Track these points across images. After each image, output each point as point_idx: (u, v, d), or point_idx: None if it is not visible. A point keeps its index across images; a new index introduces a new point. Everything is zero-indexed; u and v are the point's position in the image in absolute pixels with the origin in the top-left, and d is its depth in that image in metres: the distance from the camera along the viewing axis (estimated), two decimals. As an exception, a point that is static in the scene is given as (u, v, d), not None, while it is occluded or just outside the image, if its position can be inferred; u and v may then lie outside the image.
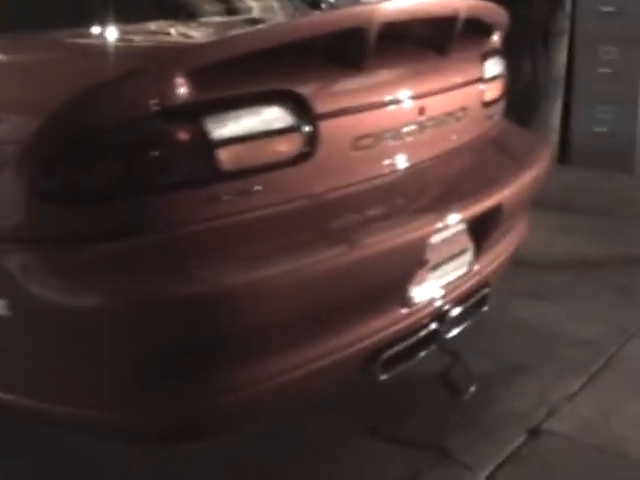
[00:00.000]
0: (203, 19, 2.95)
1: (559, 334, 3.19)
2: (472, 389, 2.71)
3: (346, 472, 2.44)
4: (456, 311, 2.48)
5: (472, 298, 2.57)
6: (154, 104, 1.82)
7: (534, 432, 2.58)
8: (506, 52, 5.12)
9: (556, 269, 3.86)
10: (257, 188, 1.96)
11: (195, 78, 1.86)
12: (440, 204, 2.33)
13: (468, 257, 2.49)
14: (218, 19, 3.02)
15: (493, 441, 2.53)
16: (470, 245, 2.48)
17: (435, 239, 2.26)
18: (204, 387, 1.89)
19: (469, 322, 2.58)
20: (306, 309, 1.95)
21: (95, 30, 2.38)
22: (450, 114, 2.48)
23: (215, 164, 1.89)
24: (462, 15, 2.41)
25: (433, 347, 2.43)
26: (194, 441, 2.12)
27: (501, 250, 2.72)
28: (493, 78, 2.76)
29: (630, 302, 3.49)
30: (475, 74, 2.64)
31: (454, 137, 2.55)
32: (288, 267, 1.91)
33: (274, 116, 1.98)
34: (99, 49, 2.24)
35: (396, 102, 2.29)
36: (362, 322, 2.14)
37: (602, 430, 2.59)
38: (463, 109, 2.55)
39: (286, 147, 2.01)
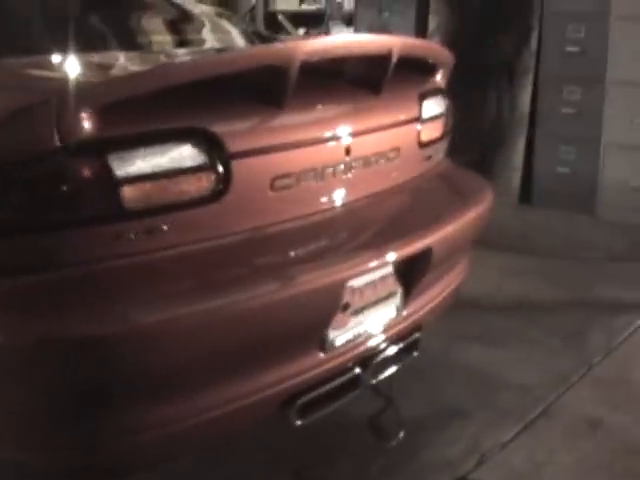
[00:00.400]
0: (146, 51, 2.91)
1: (499, 379, 3.12)
2: (401, 434, 2.65)
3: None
4: (382, 356, 2.42)
5: (401, 342, 2.51)
6: (57, 139, 1.77)
7: (461, 483, 2.51)
8: (471, 89, 5.17)
9: (504, 312, 3.79)
10: (165, 227, 1.91)
11: (101, 114, 1.80)
12: (362, 247, 2.28)
13: (396, 301, 2.43)
14: (162, 51, 2.98)
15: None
16: (398, 289, 2.42)
17: (357, 282, 2.21)
18: (111, 426, 1.85)
19: (398, 367, 2.52)
20: (216, 350, 1.90)
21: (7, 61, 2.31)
22: (380, 154, 2.42)
23: (120, 202, 1.84)
24: (396, 54, 2.36)
25: (356, 393, 2.36)
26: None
27: (435, 294, 2.66)
28: (432, 118, 2.71)
29: (576, 349, 3.42)
30: (411, 114, 2.59)
31: (385, 178, 2.49)
32: (198, 307, 1.86)
33: (183, 154, 1.92)
34: (6, 79, 2.17)
35: (318, 142, 2.23)
36: (277, 365, 2.09)
37: (531, 482, 2.52)
38: (396, 149, 2.49)
39: (196, 186, 1.95)
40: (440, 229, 2.46)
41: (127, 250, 1.86)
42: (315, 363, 2.19)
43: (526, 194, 5.50)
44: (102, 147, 1.81)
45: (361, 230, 2.35)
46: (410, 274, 2.43)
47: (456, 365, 3.24)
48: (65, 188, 1.79)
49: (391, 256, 2.28)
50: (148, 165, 1.87)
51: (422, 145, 2.66)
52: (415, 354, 2.60)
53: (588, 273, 4.33)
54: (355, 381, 2.34)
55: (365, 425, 2.65)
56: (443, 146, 2.88)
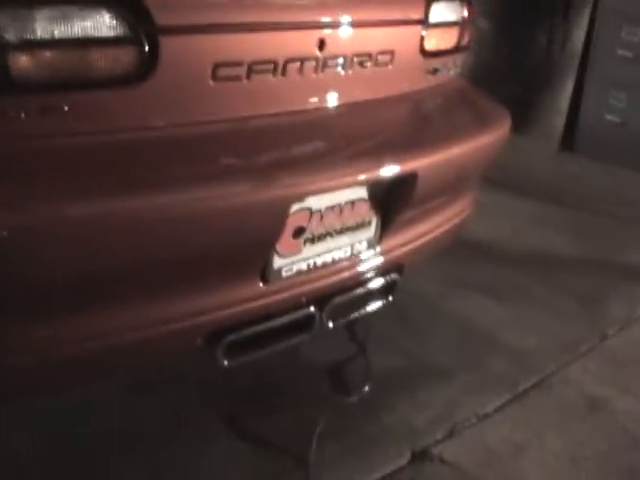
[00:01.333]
0: None
1: (495, 339, 2.72)
2: (365, 389, 2.28)
3: (183, 466, 2.02)
4: (346, 296, 2.04)
5: (373, 283, 2.12)
6: None
7: (420, 455, 2.12)
8: (520, 19, 4.67)
9: (515, 263, 3.35)
10: (67, 108, 1.52)
11: None
12: (324, 159, 1.87)
13: (369, 233, 2.04)
14: None
15: (367, 458, 2.08)
16: (372, 218, 2.02)
17: (315, 203, 1.83)
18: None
19: (366, 311, 2.14)
20: (123, 260, 1.54)
21: None
22: (366, 56, 1.99)
23: (8, 71, 1.45)
24: None
25: (307, 336, 1.99)
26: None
27: (422, 231, 2.25)
28: (442, 24, 2.26)
29: (590, 315, 2.99)
30: (411, 14, 2.14)
31: (372, 86, 2.05)
32: (98, 205, 1.48)
33: (96, 22, 1.52)
34: None
35: (280, 27, 1.80)
36: (204, 290, 1.73)
37: (504, 466, 2.12)
38: (388, 53, 2.06)
39: (109, 63, 1.54)
40: (430, 152, 2.05)
41: (13, 131, 1.48)
42: (253, 294, 1.83)
43: (569, 140, 5.01)
44: None
45: (328, 141, 1.94)
46: (389, 203, 2.03)
47: (449, 317, 2.84)
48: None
49: (359, 176, 1.88)
50: (47, 30, 1.47)
51: (426, 54, 2.22)
52: (389, 299, 2.21)
53: (620, 233, 3.86)
54: (308, 322, 1.97)
55: (325, 374, 2.28)
56: (457, 61, 2.44)
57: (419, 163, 1.99)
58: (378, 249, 2.09)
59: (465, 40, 2.42)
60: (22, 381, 1.63)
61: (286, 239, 1.82)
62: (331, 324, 2.03)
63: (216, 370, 1.83)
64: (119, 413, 2.16)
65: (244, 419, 2.17)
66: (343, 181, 1.85)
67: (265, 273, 1.81)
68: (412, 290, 2.83)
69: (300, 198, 1.77)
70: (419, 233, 2.24)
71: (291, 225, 1.82)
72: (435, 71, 2.31)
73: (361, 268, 2.07)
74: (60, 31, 1.49)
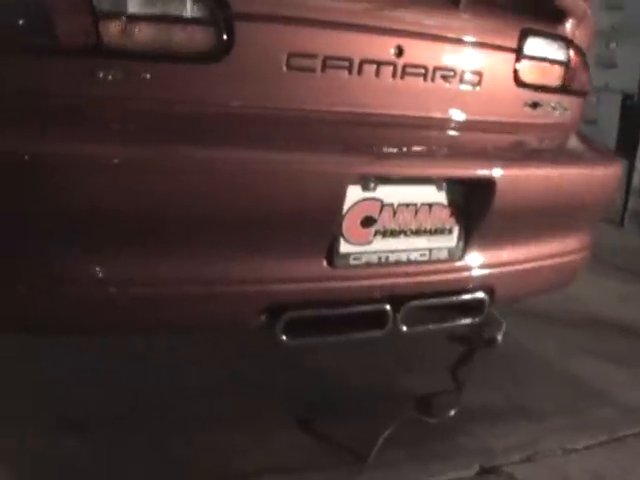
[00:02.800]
0: None
1: (603, 393, 2.62)
2: (448, 414, 2.26)
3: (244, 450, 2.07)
4: (424, 302, 2.07)
5: (454, 296, 2.13)
6: None
7: (489, 470, 2.07)
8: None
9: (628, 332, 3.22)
10: (148, 76, 1.72)
11: None
12: (386, 149, 1.95)
13: (450, 241, 2.08)
14: None
15: (428, 464, 2.05)
16: (454, 227, 2.07)
17: (387, 196, 1.91)
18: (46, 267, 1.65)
19: (445, 327, 2.15)
20: (185, 206, 1.67)
21: None
22: (450, 71, 2.08)
23: (100, 37, 1.68)
24: None
25: (378, 333, 2.01)
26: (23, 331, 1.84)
27: (518, 257, 2.23)
28: (540, 59, 2.32)
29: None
30: (503, 41, 2.21)
31: (458, 102, 2.13)
32: (166, 149, 1.66)
33: (177, 3, 1.73)
34: None
35: (356, 28, 1.93)
36: (266, 259, 1.80)
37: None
38: (476, 74, 2.14)
39: (188, 39, 1.74)
40: (510, 164, 2.09)
41: (102, 89, 1.69)
42: (318, 274, 1.89)
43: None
44: None
45: (396, 138, 2.01)
46: (469, 212, 2.07)
47: (559, 373, 2.77)
48: (44, 14, 1.67)
49: (437, 170, 1.95)
50: (136, 6, 1.70)
51: (522, 85, 2.27)
52: (476, 320, 2.20)
53: None
54: (380, 319, 2.00)
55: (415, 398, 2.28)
56: (564, 102, 2.45)
57: (497, 172, 2.03)
58: (462, 262, 2.10)
59: (575, 83, 2.45)
60: (76, 314, 1.73)
61: (354, 225, 1.90)
62: (405, 328, 2.04)
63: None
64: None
65: (318, 425, 2.20)
66: (402, 170, 1.92)
67: (331, 255, 1.88)
68: (526, 347, 2.80)
69: (359, 178, 1.85)
70: (513, 258, 2.22)
71: (359, 212, 1.89)
72: (534, 105, 2.35)
73: (441, 277, 2.09)
74: (147, 8, 1.71)
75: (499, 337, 2.54)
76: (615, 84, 5.34)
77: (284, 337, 1.87)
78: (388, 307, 1.99)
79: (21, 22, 1.67)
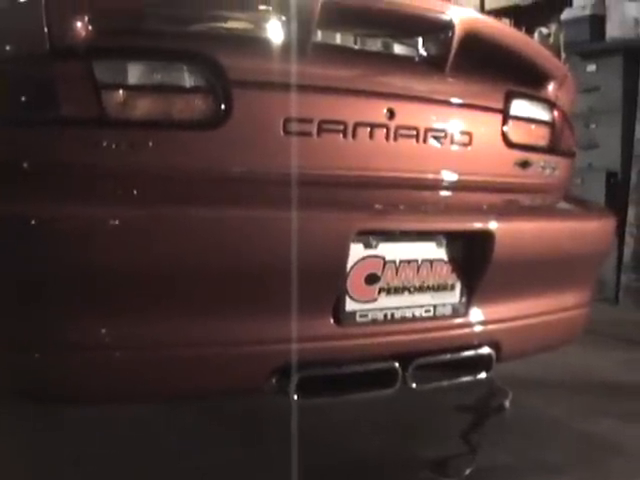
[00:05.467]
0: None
1: (621, 447, 2.57)
2: (464, 473, 2.24)
3: None
4: (430, 359, 2.08)
5: (460, 352, 2.14)
6: (46, 39, 1.74)
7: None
8: None
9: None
10: (150, 144, 1.77)
11: (94, 19, 1.76)
12: (385, 205, 2.00)
13: (452, 298, 2.10)
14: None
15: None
16: (456, 283, 2.10)
17: (389, 253, 1.96)
18: (51, 333, 1.68)
19: (454, 383, 2.15)
20: (189, 265, 1.71)
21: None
22: (441, 132, 2.14)
23: (103, 108, 1.74)
24: (460, 29, 2.14)
25: (389, 391, 2.02)
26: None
27: (522, 311, 2.25)
28: (526, 119, 2.40)
29: None
30: (489, 102, 2.29)
31: (450, 162, 2.19)
32: (171, 211, 1.72)
33: (178, 74, 1.81)
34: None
35: (349, 92, 2.00)
36: (274, 318, 1.82)
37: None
38: (466, 134, 2.20)
39: (186, 108, 1.82)
40: (508, 217, 2.14)
41: (105, 157, 1.74)
42: (325, 333, 1.91)
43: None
44: (88, 53, 1.75)
45: (394, 196, 2.05)
46: (470, 267, 2.10)
47: (575, 431, 2.73)
48: (47, 87, 1.74)
49: (428, 224, 2.00)
50: (137, 78, 1.78)
51: (510, 145, 2.33)
52: (482, 376, 2.20)
53: None
54: (390, 377, 2.00)
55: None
56: (552, 162, 2.50)
57: (492, 224, 2.08)
58: (466, 317, 2.13)
59: (561, 143, 2.52)
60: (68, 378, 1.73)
61: (358, 283, 1.93)
62: (414, 385, 2.04)
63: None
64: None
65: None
66: (401, 225, 1.98)
67: (337, 313, 1.90)
68: (536, 411, 2.79)
69: (361, 235, 1.89)
70: (517, 313, 2.24)
71: (362, 269, 1.93)
72: (524, 165, 2.41)
73: (447, 333, 2.11)
74: (147, 78, 1.78)
75: (507, 404, 2.56)
76: (598, 163, 5.45)
77: (295, 397, 1.87)
78: (397, 365, 1.99)
79: (25, 94, 1.73)
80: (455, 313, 2.10)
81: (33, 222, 1.62)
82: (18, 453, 2.26)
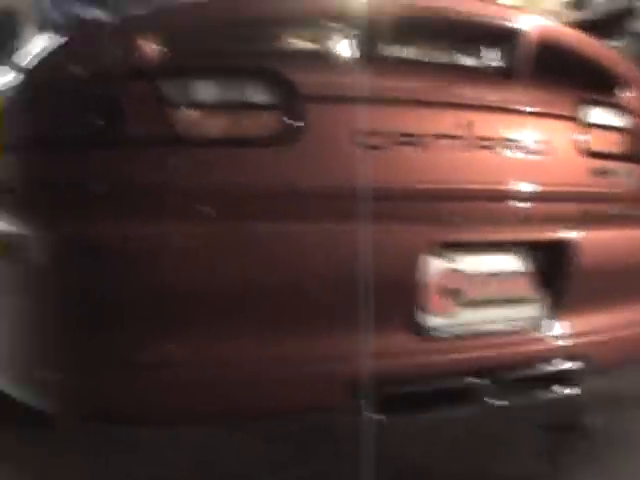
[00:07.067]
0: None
1: None
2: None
3: None
4: (514, 374, 2.02)
5: (546, 367, 2.07)
6: (118, 59, 1.76)
7: None
8: None
9: None
10: (221, 162, 1.76)
11: (165, 40, 1.77)
12: (459, 217, 1.94)
13: (536, 311, 2.05)
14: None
15: None
16: (539, 296, 2.05)
17: (467, 266, 1.93)
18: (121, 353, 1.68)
19: (540, 398, 2.08)
20: (268, 285, 1.70)
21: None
22: (519, 142, 2.07)
23: (173, 126, 1.74)
24: (535, 37, 2.10)
25: (472, 409, 1.97)
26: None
27: (613, 324, 2.19)
28: (602, 127, 2.33)
29: None
30: (563, 111, 2.22)
31: (527, 174, 2.09)
32: (245, 228, 1.71)
33: (247, 91, 1.80)
34: None
35: (425, 104, 1.97)
36: (351, 335, 1.78)
37: None
38: (542, 144, 2.15)
39: (258, 125, 1.79)
40: (591, 225, 2.08)
41: (177, 176, 1.73)
42: (405, 349, 1.87)
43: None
44: (159, 73, 1.75)
45: (472, 212, 1.98)
46: (553, 279, 2.04)
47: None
48: (119, 108, 1.74)
49: (507, 235, 1.96)
50: (207, 95, 1.77)
51: (587, 154, 2.25)
52: (571, 390, 2.12)
53: None
54: (472, 393, 1.95)
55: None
56: (632, 171, 2.44)
57: (572, 234, 2.02)
58: (549, 330, 2.07)
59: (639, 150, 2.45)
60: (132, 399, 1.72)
61: (437, 298, 1.89)
62: (497, 402, 1.98)
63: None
64: None
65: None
66: (478, 236, 1.94)
67: (417, 328, 1.87)
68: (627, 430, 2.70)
69: (438, 248, 1.86)
70: (605, 323, 2.18)
71: (440, 284, 1.90)
72: (602, 173, 2.34)
73: (530, 347, 2.05)
74: (217, 95, 1.77)
75: (597, 422, 2.47)
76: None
77: (380, 415, 1.83)
78: (479, 380, 1.94)
79: (97, 115, 1.73)
80: (537, 326, 2.05)
81: (106, 243, 1.63)
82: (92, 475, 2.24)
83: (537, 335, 2.06)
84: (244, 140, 1.78)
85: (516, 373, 2.02)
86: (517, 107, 2.13)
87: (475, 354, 1.95)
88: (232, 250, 1.69)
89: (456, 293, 1.92)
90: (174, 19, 1.84)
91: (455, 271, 1.91)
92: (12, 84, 1.96)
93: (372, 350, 1.80)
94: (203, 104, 1.77)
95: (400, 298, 1.83)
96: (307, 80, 1.82)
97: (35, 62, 1.89)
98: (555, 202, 2.17)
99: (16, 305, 1.78)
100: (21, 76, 1.93)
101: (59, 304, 1.69)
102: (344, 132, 1.84)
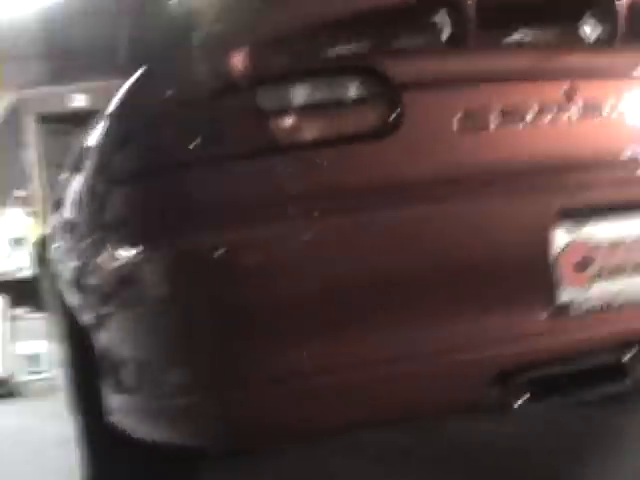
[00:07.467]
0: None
1: None
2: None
3: None
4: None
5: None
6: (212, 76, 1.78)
7: None
8: None
9: None
10: (325, 164, 1.74)
11: (255, 49, 1.77)
12: (596, 186, 1.85)
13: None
14: None
15: None
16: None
17: (598, 235, 1.82)
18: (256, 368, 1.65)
19: None
20: (382, 280, 1.66)
21: None
22: (628, 106, 1.96)
23: (274, 136, 1.73)
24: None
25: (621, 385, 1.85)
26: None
27: None
28: None
29: None
30: None
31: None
32: (360, 220, 1.68)
33: (340, 88, 1.77)
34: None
35: (525, 77, 1.89)
36: (485, 319, 1.71)
37: None
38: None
39: (357, 121, 1.76)
40: None
41: (284, 183, 1.72)
42: (541, 328, 1.77)
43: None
44: (253, 82, 1.75)
45: (590, 178, 1.87)
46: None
47: None
48: (219, 125, 1.75)
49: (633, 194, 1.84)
50: (299, 99, 1.75)
51: None
52: None
53: None
54: (621, 369, 1.84)
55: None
56: None
57: None
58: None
59: None
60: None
61: (568, 271, 1.79)
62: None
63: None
64: None
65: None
66: (604, 198, 1.84)
67: (551, 306, 1.77)
68: None
69: (563, 217, 1.77)
70: None
71: (570, 256, 1.80)
72: None
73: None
74: (311, 96, 1.75)
75: None
76: None
77: (520, 402, 1.74)
78: (627, 356, 1.83)
79: (196, 133, 1.74)
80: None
81: (224, 252, 1.61)
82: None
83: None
84: (344, 137, 1.75)
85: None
86: (620, 71, 2.02)
87: (617, 327, 1.84)
88: (355, 245, 1.65)
89: (588, 264, 1.81)
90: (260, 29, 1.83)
91: (583, 240, 1.81)
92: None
93: (510, 334, 1.73)
94: (299, 108, 1.74)
95: (535, 275, 1.75)
96: (400, 68, 1.78)
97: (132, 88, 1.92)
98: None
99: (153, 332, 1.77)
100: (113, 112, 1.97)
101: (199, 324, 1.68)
102: (444, 116, 1.79)
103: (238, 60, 1.76)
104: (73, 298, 2.35)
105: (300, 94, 1.74)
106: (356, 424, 1.77)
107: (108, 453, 2.34)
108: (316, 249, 1.64)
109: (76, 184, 2.39)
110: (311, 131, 1.75)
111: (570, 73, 1.93)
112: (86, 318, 2.18)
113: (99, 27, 4.96)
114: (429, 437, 2.66)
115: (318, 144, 1.73)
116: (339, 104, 1.76)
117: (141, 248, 1.78)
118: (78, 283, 2.26)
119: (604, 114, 1.93)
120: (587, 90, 1.92)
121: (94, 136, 2.25)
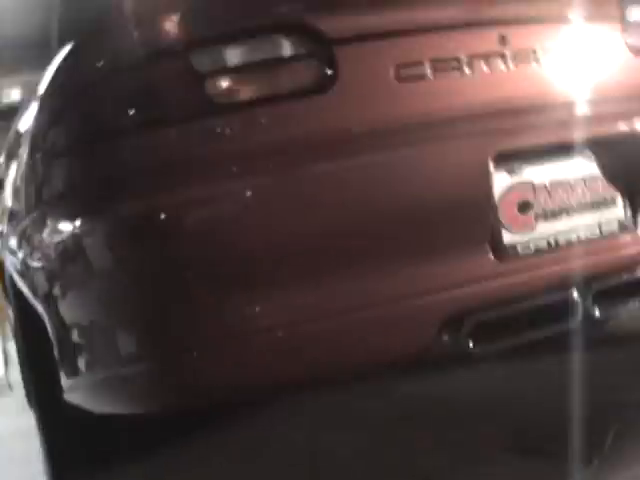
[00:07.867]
0: None
1: None
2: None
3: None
4: (607, 282, 1.92)
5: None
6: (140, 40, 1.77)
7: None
8: None
9: None
10: (262, 121, 1.73)
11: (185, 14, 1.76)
12: (518, 121, 1.87)
13: (617, 213, 1.96)
14: None
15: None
16: (616, 197, 1.96)
17: (536, 176, 1.85)
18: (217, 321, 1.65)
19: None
20: (333, 222, 1.67)
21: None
22: (565, 49, 1.99)
23: (209, 97, 1.72)
24: None
25: (570, 322, 1.87)
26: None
27: None
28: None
29: None
30: (606, 12, 2.13)
31: (579, 80, 2.00)
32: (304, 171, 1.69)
33: (271, 47, 1.76)
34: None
35: (456, 25, 1.89)
36: (433, 263, 1.73)
37: None
38: (589, 48, 2.05)
39: (291, 78, 1.76)
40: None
41: (221, 143, 1.71)
42: (489, 271, 1.79)
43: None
44: (185, 46, 1.74)
45: (526, 121, 1.89)
46: (626, 174, 1.95)
47: None
48: (155, 90, 1.74)
49: (568, 134, 1.87)
50: (234, 59, 1.75)
51: (636, 52, 2.16)
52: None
53: None
54: (570, 307, 1.86)
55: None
56: None
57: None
58: (636, 232, 1.97)
59: None
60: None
61: (511, 213, 1.82)
62: (598, 312, 1.88)
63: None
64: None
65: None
66: (539, 139, 1.85)
67: (497, 248, 1.79)
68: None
69: (501, 160, 1.79)
70: None
71: (512, 198, 1.82)
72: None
73: (621, 252, 1.96)
74: (245, 56, 1.75)
75: None
76: None
77: (472, 346, 1.76)
78: (575, 293, 1.85)
79: (132, 99, 1.73)
80: (624, 228, 1.95)
81: (166, 216, 1.61)
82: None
83: (624, 239, 1.96)
84: (280, 95, 1.74)
85: (612, 280, 1.92)
86: (555, 15, 2.04)
87: (561, 266, 1.87)
88: (297, 199, 1.66)
89: (529, 206, 1.84)
90: None
91: (523, 183, 1.83)
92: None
93: (455, 279, 1.74)
94: (234, 69, 1.74)
95: (473, 219, 1.76)
96: (332, 23, 1.78)
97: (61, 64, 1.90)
98: (612, 103, 2.08)
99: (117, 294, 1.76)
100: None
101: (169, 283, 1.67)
102: (380, 68, 1.80)
103: (171, 24, 1.74)
104: (23, 284, 2.32)
105: (235, 55, 1.74)
106: (310, 377, 1.77)
107: (68, 439, 2.32)
108: (259, 206, 1.64)
109: (13, 169, 2.37)
110: (248, 91, 1.74)
111: (501, 21, 1.95)
112: (38, 302, 2.15)
113: (31, 20, 4.88)
114: (391, 400, 2.65)
115: (255, 103, 1.73)
116: (274, 62, 1.76)
117: (82, 219, 1.76)
118: (26, 267, 2.23)
119: (537, 59, 1.95)
120: (519, 36, 1.94)
121: (27, 119, 2.22)
